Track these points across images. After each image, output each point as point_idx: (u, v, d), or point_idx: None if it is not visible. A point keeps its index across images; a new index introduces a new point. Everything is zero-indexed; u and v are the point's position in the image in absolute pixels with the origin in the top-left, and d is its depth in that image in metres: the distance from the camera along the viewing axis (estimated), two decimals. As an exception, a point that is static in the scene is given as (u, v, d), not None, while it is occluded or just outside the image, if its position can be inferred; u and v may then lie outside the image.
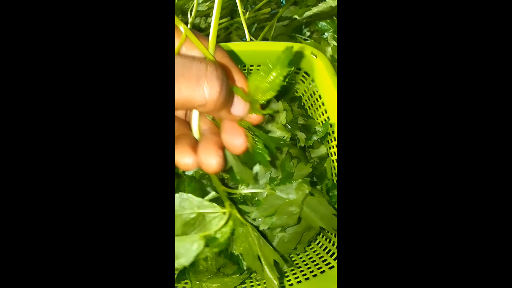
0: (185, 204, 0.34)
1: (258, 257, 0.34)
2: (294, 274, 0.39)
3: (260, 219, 0.36)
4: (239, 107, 0.22)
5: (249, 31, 0.57)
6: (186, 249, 0.32)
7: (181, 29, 0.21)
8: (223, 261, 0.39)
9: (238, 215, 0.34)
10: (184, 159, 0.21)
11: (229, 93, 0.21)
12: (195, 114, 0.25)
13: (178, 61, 0.19)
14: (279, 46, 0.41)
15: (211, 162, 0.22)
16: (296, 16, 0.52)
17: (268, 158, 0.24)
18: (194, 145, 0.23)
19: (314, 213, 0.35)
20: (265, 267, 0.33)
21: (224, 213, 0.33)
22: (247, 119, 0.24)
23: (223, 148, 0.23)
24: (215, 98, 0.20)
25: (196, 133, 0.25)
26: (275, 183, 0.37)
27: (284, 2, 0.59)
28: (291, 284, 0.37)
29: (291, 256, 0.41)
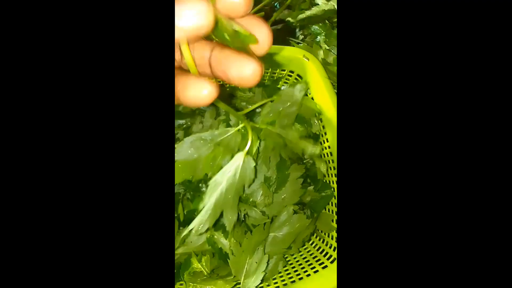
0: (197, 144, 0.35)
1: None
2: (288, 274, 0.39)
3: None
4: None
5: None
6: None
7: None
8: (217, 263, 0.39)
9: (252, 124, 0.37)
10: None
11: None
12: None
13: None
14: (273, 49, 0.42)
15: (203, 93, 0.21)
16: (289, 19, 0.52)
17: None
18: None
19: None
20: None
21: (238, 130, 0.35)
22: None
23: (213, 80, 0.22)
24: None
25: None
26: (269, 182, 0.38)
27: (278, 6, 0.60)
28: (285, 284, 0.38)
29: (285, 256, 0.41)
